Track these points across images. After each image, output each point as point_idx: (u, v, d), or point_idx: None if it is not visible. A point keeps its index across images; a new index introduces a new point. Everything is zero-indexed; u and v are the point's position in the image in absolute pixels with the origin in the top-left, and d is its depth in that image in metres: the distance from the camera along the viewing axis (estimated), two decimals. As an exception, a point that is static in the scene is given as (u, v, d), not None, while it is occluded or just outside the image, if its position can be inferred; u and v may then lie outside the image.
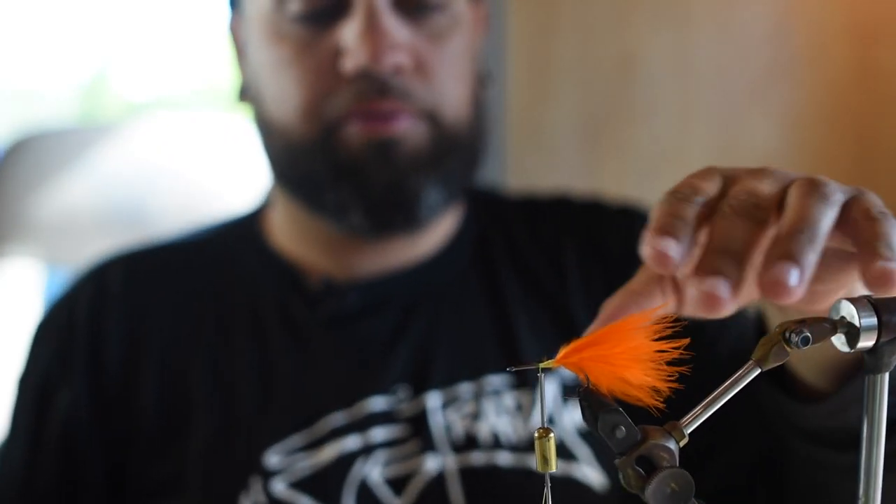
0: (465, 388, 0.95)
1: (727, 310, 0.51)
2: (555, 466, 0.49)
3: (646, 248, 0.52)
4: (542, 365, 0.48)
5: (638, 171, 1.87)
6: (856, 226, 0.53)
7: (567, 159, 1.87)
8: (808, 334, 0.50)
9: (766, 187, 0.54)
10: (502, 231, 1.06)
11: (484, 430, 0.93)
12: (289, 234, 1.02)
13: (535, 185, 1.73)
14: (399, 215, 0.95)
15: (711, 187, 0.55)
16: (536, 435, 0.49)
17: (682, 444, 0.48)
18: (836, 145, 1.85)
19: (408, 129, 0.93)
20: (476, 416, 0.94)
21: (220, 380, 0.96)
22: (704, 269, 0.51)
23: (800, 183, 0.54)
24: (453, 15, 0.96)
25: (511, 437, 0.93)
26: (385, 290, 0.99)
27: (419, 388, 0.95)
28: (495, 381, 0.96)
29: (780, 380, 0.73)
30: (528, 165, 1.87)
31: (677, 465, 0.48)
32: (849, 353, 0.51)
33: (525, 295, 1.01)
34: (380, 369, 0.95)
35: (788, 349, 0.50)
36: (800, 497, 0.80)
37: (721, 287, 0.50)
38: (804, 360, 0.71)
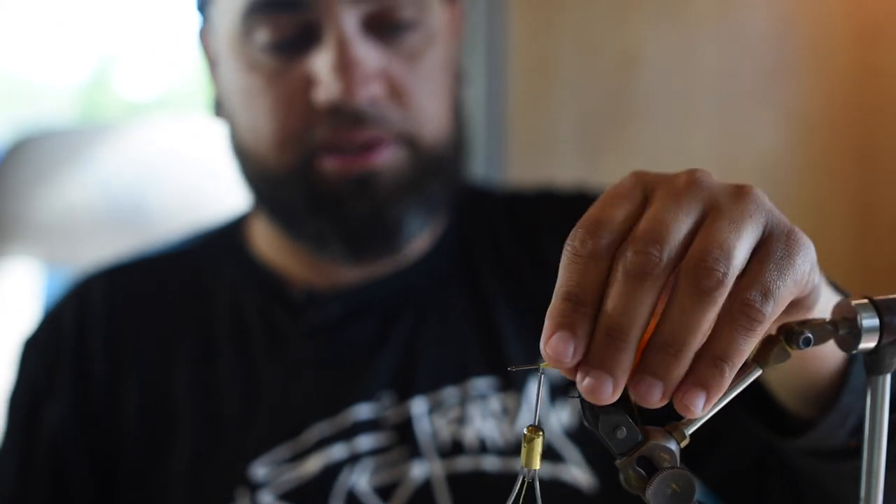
0: (450, 393, 0.94)
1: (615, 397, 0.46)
2: (538, 465, 0.49)
3: (542, 346, 0.47)
4: (543, 365, 0.48)
5: (638, 170, 1.87)
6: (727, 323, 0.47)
7: (568, 159, 1.86)
8: (810, 335, 0.50)
9: (676, 224, 0.48)
10: (485, 229, 1.04)
11: (470, 434, 0.92)
12: (271, 244, 1.01)
13: (535, 184, 1.73)
14: (379, 244, 0.94)
15: (619, 215, 0.49)
16: (526, 432, 0.49)
17: (682, 444, 0.48)
18: (838, 145, 1.84)
19: (386, 160, 0.91)
20: (462, 420, 0.93)
21: (204, 392, 0.96)
22: (589, 360, 0.46)
23: (700, 239, 0.47)
24: (427, 31, 0.93)
25: (497, 441, 0.92)
26: (367, 297, 0.98)
27: (404, 395, 0.94)
28: (480, 384, 0.95)
29: (764, 407, 0.73)
30: (528, 165, 1.87)
31: (678, 465, 0.48)
32: (830, 370, 0.50)
33: (508, 295, 1.00)
34: (364, 377, 0.95)
35: (790, 350, 0.50)
36: (804, 484, 0.79)
37: (603, 385, 0.46)
38: (784, 390, 0.70)
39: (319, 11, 0.88)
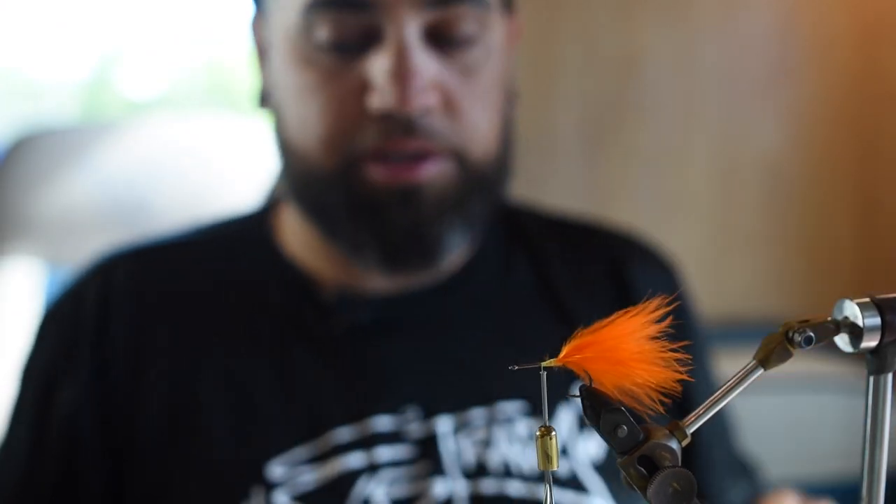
0: (477, 414, 0.93)
1: None
2: (556, 465, 0.49)
3: None
4: (544, 364, 0.48)
5: (640, 171, 1.87)
6: None
7: (570, 160, 1.86)
8: (812, 334, 0.50)
9: None
10: (528, 251, 1.03)
11: (495, 457, 0.91)
12: (302, 242, 0.99)
13: (537, 186, 1.73)
14: (416, 258, 0.93)
15: None
16: (538, 433, 0.49)
17: (684, 443, 0.48)
18: (840, 145, 1.84)
19: (433, 174, 0.90)
20: (487, 443, 0.92)
21: (228, 384, 0.94)
22: None
23: None
24: (486, 46, 0.92)
25: (522, 466, 0.91)
26: (399, 307, 0.97)
27: (430, 411, 0.93)
28: (508, 408, 0.94)
29: None
30: (530, 167, 1.87)
31: (679, 464, 0.48)
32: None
33: (546, 319, 0.99)
34: (389, 388, 0.93)
35: (792, 349, 0.50)
36: None
37: None
38: None
39: (382, 15, 0.87)
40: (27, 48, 2.80)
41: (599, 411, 0.47)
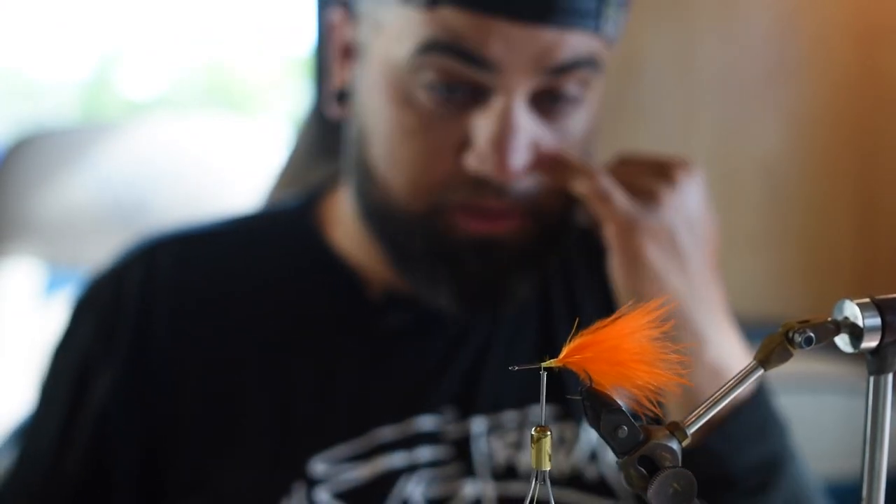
0: (509, 417, 0.93)
1: None
2: (549, 465, 0.49)
3: None
4: (544, 364, 0.48)
5: (640, 171, 1.87)
6: None
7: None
8: (812, 334, 0.50)
9: None
10: (560, 260, 1.01)
11: (525, 460, 0.91)
12: (352, 239, 0.97)
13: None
14: (487, 307, 0.93)
15: None
16: (533, 432, 0.49)
17: (684, 444, 0.48)
18: (839, 147, 1.84)
19: (514, 227, 0.89)
20: (518, 445, 0.92)
21: (272, 379, 0.93)
22: None
23: None
24: (587, 106, 0.91)
25: (551, 470, 0.90)
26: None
27: (465, 412, 0.92)
28: (540, 411, 0.94)
29: None
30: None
31: (679, 464, 0.48)
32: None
33: (574, 329, 0.98)
34: (431, 388, 0.93)
35: (792, 350, 0.50)
36: None
37: None
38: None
39: (496, 76, 0.84)
40: (27, 49, 2.80)
41: (600, 412, 0.48)
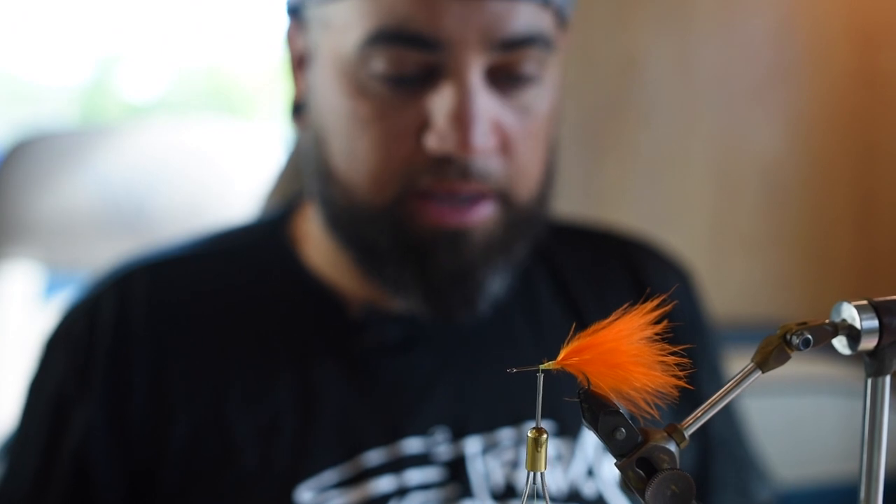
0: (505, 435, 0.91)
1: None
2: (545, 467, 0.49)
3: None
4: (542, 367, 0.48)
5: (639, 173, 1.87)
6: None
7: (568, 161, 1.86)
8: (810, 336, 0.50)
9: None
10: (546, 261, 1.01)
11: (523, 479, 0.89)
12: (327, 257, 0.95)
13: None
14: (458, 303, 0.90)
15: None
16: (530, 434, 0.49)
17: (682, 446, 0.48)
18: (838, 148, 1.85)
19: (483, 218, 0.87)
20: (516, 464, 0.90)
21: (254, 406, 0.90)
22: None
23: None
24: (544, 86, 0.89)
25: (550, 487, 0.89)
26: (427, 325, 0.94)
27: (458, 433, 0.91)
28: None
29: None
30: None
31: (678, 467, 0.48)
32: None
33: (569, 334, 0.97)
34: (418, 409, 0.91)
35: (790, 352, 0.50)
36: None
37: None
38: None
39: (447, 54, 0.84)
40: (26, 52, 2.80)
41: (598, 414, 0.48)
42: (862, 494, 0.52)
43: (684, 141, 1.86)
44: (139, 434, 0.90)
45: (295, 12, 0.94)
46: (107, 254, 1.04)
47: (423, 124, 0.85)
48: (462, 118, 0.83)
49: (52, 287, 1.67)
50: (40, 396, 0.94)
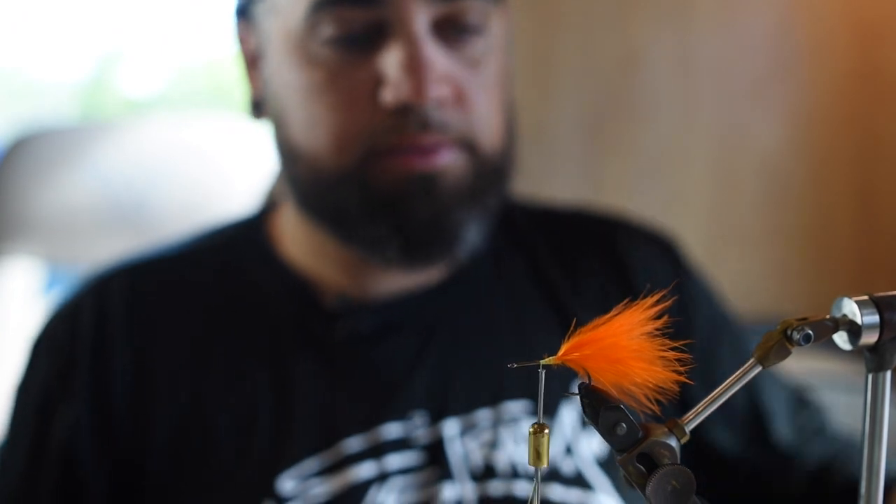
0: (483, 416, 0.92)
1: None
2: (546, 462, 0.49)
3: None
4: (543, 362, 0.48)
5: (639, 169, 1.87)
6: None
7: (568, 158, 1.86)
8: (810, 332, 0.50)
9: None
10: (522, 246, 1.02)
11: (502, 459, 0.90)
12: (302, 247, 0.98)
13: (536, 183, 1.73)
14: (436, 251, 0.92)
15: None
16: (531, 430, 0.49)
17: (683, 441, 0.48)
18: (838, 144, 1.84)
19: (449, 163, 0.89)
20: (494, 444, 0.91)
21: (234, 398, 0.92)
22: None
23: None
24: (489, 37, 0.92)
25: (529, 466, 0.90)
26: (403, 310, 0.96)
27: (437, 415, 0.92)
28: (514, 408, 0.93)
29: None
30: (529, 164, 1.86)
31: (678, 462, 0.48)
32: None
33: (545, 316, 0.98)
34: (397, 394, 0.92)
35: (790, 347, 0.50)
36: None
37: None
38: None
39: (390, 9, 0.86)
40: (27, 48, 2.80)
41: (598, 409, 0.48)
42: (863, 490, 0.52)
43: (685, 137, 1.86)
44: (122, 430, 0.93)
45: (243, 12, 0.96)
46: (107, 250, 1.05)
47: (377, 83, 0.88)
48: (413, 65, 0.86)
49: (52, 283, 1.67)
50: (27, 398, 0.96)
